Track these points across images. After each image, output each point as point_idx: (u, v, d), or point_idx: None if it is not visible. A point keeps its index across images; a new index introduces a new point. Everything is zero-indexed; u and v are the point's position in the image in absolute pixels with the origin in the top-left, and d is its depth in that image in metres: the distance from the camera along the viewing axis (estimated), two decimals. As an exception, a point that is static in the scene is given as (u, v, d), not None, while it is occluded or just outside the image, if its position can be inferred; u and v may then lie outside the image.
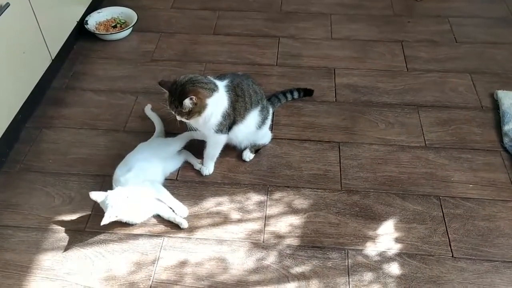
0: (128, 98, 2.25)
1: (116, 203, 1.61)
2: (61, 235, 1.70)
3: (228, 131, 1.79)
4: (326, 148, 1.99)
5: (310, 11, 2.81)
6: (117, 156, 1.90)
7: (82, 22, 2.58)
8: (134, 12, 2.67)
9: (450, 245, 1.64)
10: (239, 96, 1.75)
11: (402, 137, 2.02)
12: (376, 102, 2.19)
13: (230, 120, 1.75)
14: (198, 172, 1.90)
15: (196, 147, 1.95)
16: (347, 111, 2.16)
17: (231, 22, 2.73)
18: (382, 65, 2.40)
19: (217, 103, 1.69)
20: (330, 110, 2.16)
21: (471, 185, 1.83)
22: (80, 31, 2.58)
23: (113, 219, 1.62)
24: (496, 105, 2.15)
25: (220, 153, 1.88)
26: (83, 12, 2.61)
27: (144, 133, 2.03)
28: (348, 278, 1.56)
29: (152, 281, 1.57)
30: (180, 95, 1.60)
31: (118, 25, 2.65)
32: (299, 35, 2.62)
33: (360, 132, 2.06)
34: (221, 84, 1.73)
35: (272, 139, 2.00)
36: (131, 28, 2.61)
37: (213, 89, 1.67)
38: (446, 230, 1.68)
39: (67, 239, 1.69)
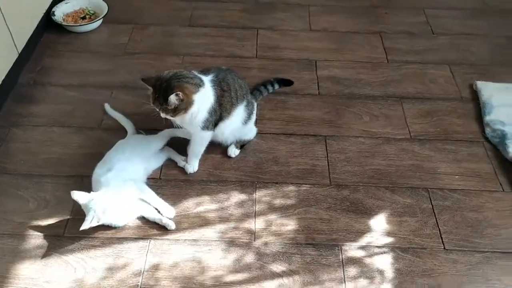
0: (103, 93, 2.13)
1: (100, 208, 1.51)
2: (38, 241, 1.59)
3: (214, 127, 1.72)
4: (313, 142, 1.95)
5: (287, 1, 2.76)
6: (93, 155, 1.81)
7: (49, 13, 2.43)
8: (104, 2, 2.54)
9: (441, 237, 1.64)
10: (225, 91, 1.68)
11: (387, 129, 2.01)
12: (359, 94, 2.17)
13: (217, 116, 1.68)
14: (182, 170, 1.83)
15: (179, 144, 1.87)
16: (330, 103, 2.12)
17: (207, 13, 2.64)
18: (363, 57, 2.38)
19: (204, 99, 1.61)
20: (313, 103, 2.12)
21: (457, 176, 1.84)
22: (48, 23, 2.43)
23: (94, 224, 1.52)
24: (475, 96, 2.17)
25: (204, 150, 1.81)
26: (50, 2, 2.45)
27: (122, 130, 1.93)
28: (344, 274, 1.53)
29: (140, 286, 1.48)
30: (165, 91, 1.52)
31: (87, 16, 2.51)
32: (277, 26, 2.57)
33: (345, 125, 2.03)
34: (207, 79, 1.65)
35: (257, 134, 1.94)
36: (101, 20, 2.48)
37: (199, 84, 1.60)
38: (437, 222, 1.68)
39: (46, 246, 1.58)
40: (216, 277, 1.52)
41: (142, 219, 1.67)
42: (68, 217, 1.66)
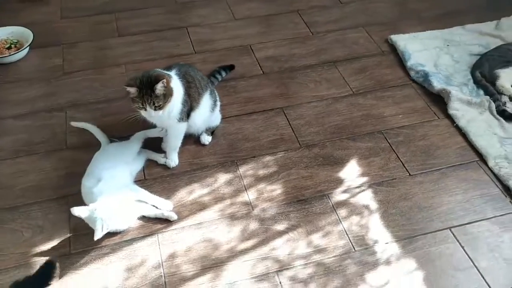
0: (57, 115, 2.12)
1: (106, 214, 1.55)
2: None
3: (188, 118, 1.82)
4: (273, 115, 2.13)
5: (204, -2, 2.89)
6: (71, 174, 1.83)
7: (-29, 49, 2.33)
8: (26, 29, 2.48)
9: (404, 166, 1.91)
10: (190, 82, 1.80)
11: (332, 90, 2.25)
12: (298, 66, 2.39)
13: (188, 107, 1.79)
14: (164, 167, 1.90)
15: (152, 146, 1.94)
16: (276, 79, 2.32)
17: (132, 21, 2.69)
18: (290, 34, 2.61)
19: (176, 90, 1.71)
20: (262, 82, 2.30)
21: (400, 116, 2.13)
22: (-27, 59, 2.33)
23: (105, 231, 1.56)
24: (393, 48, 2.49)
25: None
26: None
27: (90, 144, 1.95)
28: (338, 216, 1.73)
29: (164, 276, 1.56)
30: (151, 83, 1.61)
31: (12, 46, 2.44)
32: (204, 22, 2.70)
33: (295, 95, 2.23)
34: (172, 73, 1.75)
35: (222, 119, 2.07)
36: (28, 46, 2.43)
37: (170, 76, 1.70)
38: (397, 156, 1.95)
39: (57, 267, 1.58)
40: (230, 249, 1.64)
41: (143, 218, 1.73)
42: (69, 235, 1.67)
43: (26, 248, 1.63)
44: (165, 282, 1.55)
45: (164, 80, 1.61)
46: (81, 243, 1.64)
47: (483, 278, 1.56)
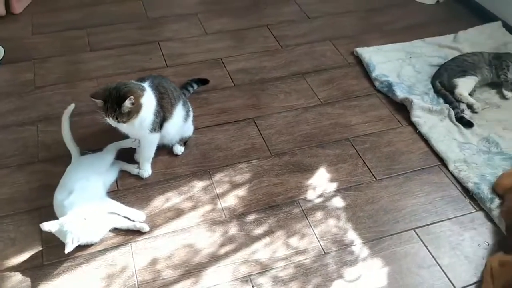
0: (28, 129, 2.13)
1: (75, 227, 1.56)
2: (19, 277, 1.59)
3: (160, 129, 1.86)
4: (244, 125, 2.19)
5: (176, 13, 2.95)
6: (45, 187, 1.85)
7: None
8: (-3, 45, 2.49)
9: (371, 172, 1.99)
10: (163, 93, 1.84)
11: (301, 101, 2.33)
12: (268, 78, 2.46)
13: (161, 117, 1.83)
14: (137, 177, 1.93)
15: (125, 156, 1.97)
16: (248, 91, 2.38)
17: (104, 36, 2.73)
18: (260, 48, 2.68)
19: (148, 102, 1.75)
20: (233, 94, 2.36)
21: (366, 124, 2.22)
22: None
23: (76, 244, 1.57)
24: (359, 60, 2.60)
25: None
26: None
27: (62, 157, 1.96)
28: (308, 221, 1.79)
29: (138, 285, 1.58)
30: (118, 98, 1.63)
31: (-18, 61, 2.44)
32: (176, 36, 2.76)
33: (266, 105, 2.30)
34: (145, 85, 1.79)
35: (195, 130, 2.12)
36: (-1, 62, 2.44)
37: (142, 89, 1.74)
38: (364, 162, 2.03)
39: (29, 280, 1.58)
40: (211, 254, 1.67)
41: (114, 230, 1.74)
42: (41, 247, 1.67)
43: (-3, 261, 1.63)
44: (139, 289, 1.57)
45: (132, 97, 1.63)
46: (54, 255, 1.65)
47: (446, 275, 1.64)
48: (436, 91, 2.33)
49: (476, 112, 2.24)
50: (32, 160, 1.98)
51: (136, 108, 1.68)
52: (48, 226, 1.56)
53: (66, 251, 1.53)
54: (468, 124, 2.15)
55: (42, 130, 2.12)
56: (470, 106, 2.25)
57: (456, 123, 2.16)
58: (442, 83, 2.33)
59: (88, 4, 2.97)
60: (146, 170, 1.92)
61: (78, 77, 2.43)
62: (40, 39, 2.70)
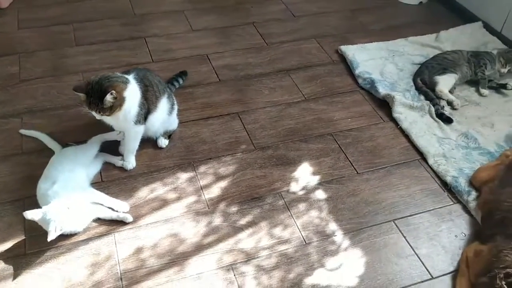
0: (12, 121, 2.13)
1: (58, 216, 1.57)
2: (1, 266, 1.59)
3: (145, 121, 1.87)
4: (228, 120, 2.22)
5: (162, 10, 2.97)
6: (28, 178, 1.85)
7: None
8: (-18, 37, 2.48)
9: (352, 165, 2.03)
10: (148, 86, 1.86)
11: (285, 96, 2.37)
12: (253, 74, 2.50)
13: (145, 110, 1.85)
14: (121, 169, 1.94)
15: (109, 148, 1.98)
16: (232, 86, 2.41)
17: (90, 32, 2.73)
18: (246, 44, 2.72)
19: (132, 94, 1.77)
20: (218, 89, 2.39)
21: (349, 119, 2.26)
22: None
23: (59, 232, 1.58)
24: (343, 58, 2.64)
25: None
26: None
27: (46, 148, 1.97)
28: (290, 212, 1.82)
29: (120, 273, 1.59)
30: (100, 92, 1.65)
31: (-34, 54, 2.43)
32: (162, 32, 2.77)
33: (251, 101, 2.33)
34: (130, 77, 1.81)
35: (179, 124, 2.14)
36: (-17, 54, 2.43)
37: (126, 82, 1.75)
38: (346, 156, 2.07)
39: (11, 268, 1.59)
40: (195, 243, 1.69)
41: (98, 220, 1.75)
42: (24, 237, 1.68)
43: (-20, 250, 1.63)
44: (121, 278, 1.58)
45: (114, 92, 1.65)
46: (37, 244, 1.65)
47: (423, 264, 1.68)
48: (417, 88, 2.38)
49: (455, 109, 2.29)
50: (16, 152, 1.99)
51: (119, 102, 1.69)
52: (31, 214, 1.56)
53: (49, 239, 1.54)
54: (447, 120, 2.20)
55: (26, 122, 2.12)
56: (450, 103, 2.31)
57: (436, 119, 2.21)
58: (424, 80, 2.39)
59: (74, 0, 2.98)
60: (130, 162, 1.94)
61: (63, 71, 2.44)
62: (26, 33, 2.69)
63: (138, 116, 1.81)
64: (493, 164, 1.94)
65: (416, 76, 2.43)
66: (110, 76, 1.73)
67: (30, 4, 2.92)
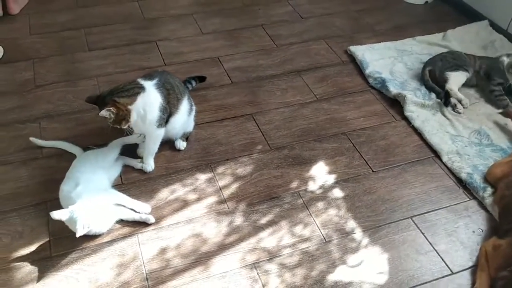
0: (30, 126, 2.15)
1: (85, 214, 1.60)
2: (28, 268, 1.61)
3: (166, 123, 1.90)
4: (243, 121, 2.24)
5: (171, 14, 3.00)
6: (49, 181, 1.88)
7: None
8: (-5, 44, 2.51)
9: (367, 164, 2.06)
10: (169, 90, 1.88)
11: (298, 97, 2.40)
12: (265, 76, 2.53)
13: (167, 113, 1.88)
14: (141, 171, 1.97)
15: (128, 151, 2.01)
16: (245, 88, 2.44)
17: (101, 36, 2.76)
18: (255, 46, 2.75)
19: (147, 102, 1.79)
20: (231, 91, 2.41)
21: (362, 119, 2.29)
22: None
23: (86, 229, 1.60)
24: (352, 58, 2.68)
25: (157, 148, 1.99)
26: None
27: (66, 152, 2.00)
28: (309, 211, 1.85)
29: (146, 273, 1.62)
30: (103, 106, 1.71)
31: (-19, 60, 2.46)
32: (173, 36, 2.80)
33: (263, 102, 2.36)
34: (150, 84, 1.83)
35: (195, 125, 2.16)
36: (-3, 61, 2.45)
37: (138, 92, 1.78)
38: (360, 155, 2.10)
39: (37, 270, 1.61)
40: (217, 243, 1.72)
41: (120, 222, 1.78)
42: (48, 239, 1.70)
43: (5, 253, 1.65)
44: (147, 278, 1.60)
45: (110, 108, 1.69)
46: (62, 246, 1.68)
47: (443, 260, 1.71)
48: (423, 80, 2.40)
49: (465, 108, 2.32)
50: (36, 156, 2.01)
51: (122, 116, 1.74)
52: (58, 214, 1.58)
53: (77, 235, 1.55)
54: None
55: (44, 127, 2.14)
56: (459, 101, 2.34)
57: (448, 116, 2.24)
58: (433, 72, 2.41)
59: (84, 6, 3.01)
60: (150, 164, 1.96)
61: (78, 76, 2.46)
62: (38, 39, 2.72)
63: (160, 120, 1.84)
64: (506, 161, 1.98)
65: (427, 65, 2.45)
66: (118, 89, 1.77)
67: (40, 10, 2.94)
